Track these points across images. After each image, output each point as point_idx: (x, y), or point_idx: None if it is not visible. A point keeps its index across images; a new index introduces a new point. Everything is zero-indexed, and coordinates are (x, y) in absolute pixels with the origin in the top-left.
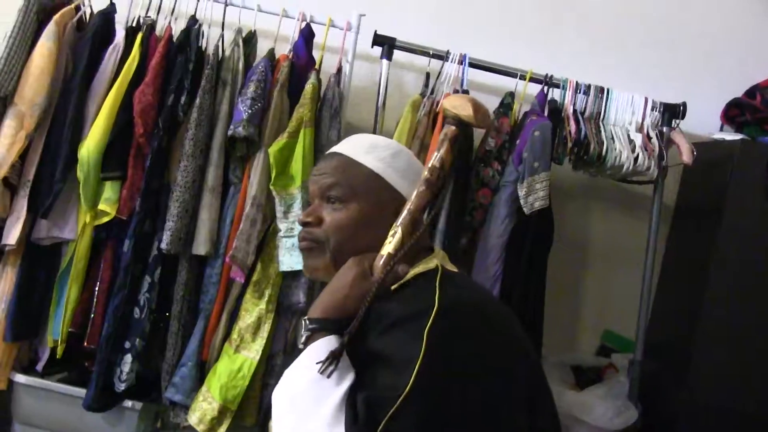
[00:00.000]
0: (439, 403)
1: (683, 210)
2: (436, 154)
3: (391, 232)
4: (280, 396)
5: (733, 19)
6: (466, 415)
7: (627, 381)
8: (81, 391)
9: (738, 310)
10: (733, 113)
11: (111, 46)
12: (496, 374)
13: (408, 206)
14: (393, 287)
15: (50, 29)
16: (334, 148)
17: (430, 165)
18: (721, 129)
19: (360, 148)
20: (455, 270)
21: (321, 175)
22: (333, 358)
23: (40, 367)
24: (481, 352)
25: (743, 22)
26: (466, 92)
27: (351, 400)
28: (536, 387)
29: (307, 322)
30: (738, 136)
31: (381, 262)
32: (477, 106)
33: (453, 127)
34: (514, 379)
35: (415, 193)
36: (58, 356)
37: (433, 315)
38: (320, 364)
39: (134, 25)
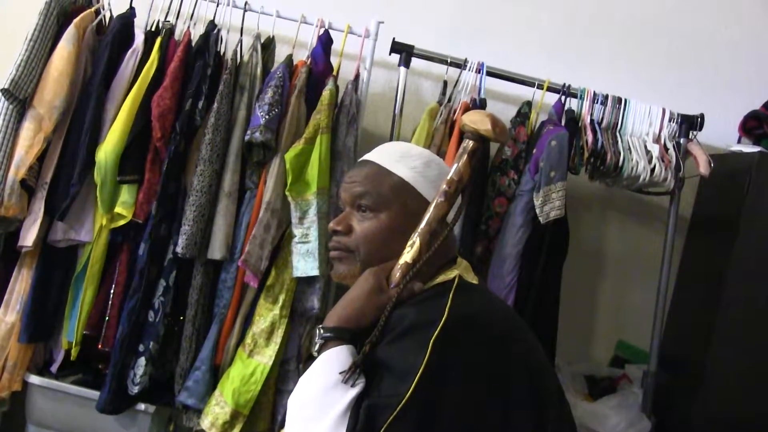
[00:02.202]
0: (436, 414)
1: (699, 222)
2: (454, 166)
3: (409, 242)
4: (293, 403)
5: (752, 30)
6: (463, 428)
7: (640, 392)
8: (95, 394)
9: (753, 322)
10: (751, 125)
11: (130, 50)
12: (496, 390)
13: (426, 217)
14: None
15: (70, 32)
16: (366, 156)
17: (448, 177)
18: (739, 141)
19: (391, 156)
20: (475, 281)
21: (352, 183)
22: (356, 368)
23: (54, 368)
24: (484, 367)
25: (762, 34)
26: (483, 101)
27: (356, 407)
28: (546, 401)
29: (322, 330)
30: (756, 149)
31: (399, 273)
32: (495, 122)
33: (472, 142)
34: (516, 395)
35: (433, 203)
36: (72, 358)
37: (440, 326)
38: (342, 374)
39: (153, 29)
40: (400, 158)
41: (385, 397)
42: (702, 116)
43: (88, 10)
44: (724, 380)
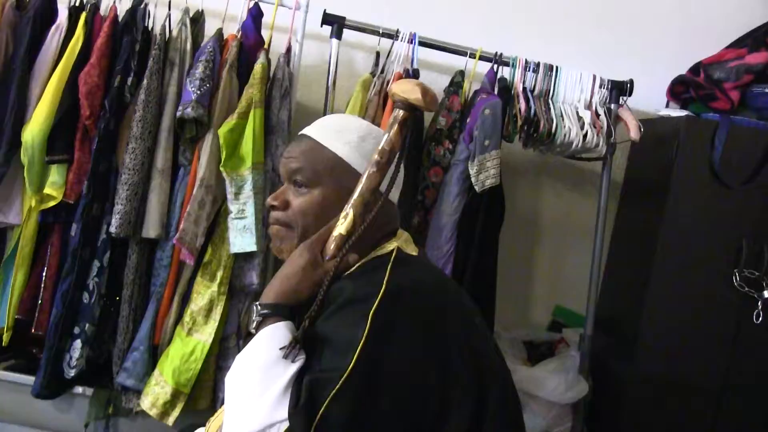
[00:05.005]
0: (377, 386)
1: (631, 186)
2: (385, 136)
3: (342, 214)
4: (231, 381)
5: None
6: (404, 399)
7: (578, 355)
8: (29, 379)
9: (684, 284)
10: (679, 90)
11: (53, 26)
12: (436, 360)
13: (359, 188)
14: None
15: None
16: (305, 130)
17: (379, 147)
18: (667, 105)
19: (328, 131)
20: (415, 252)
21: (288, 158)
22: (296, 343)
23: None
24: (424, 338)
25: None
26: (416, 71)
27: (297, 382)
28: (487, 368)
29: (259, 307)
30: (683, 113)
31: (333, 245)
32: (425, 91)
33: (402, 111)
34: (457, 365)
35: (365, 174)
36: (4, 344)
37: (378, 298)
38: (281, 350)
39: (77, 4)
40: (336, 133)
41: (326, 372)
42: (631, 82)
43: None
44: (657, 341)
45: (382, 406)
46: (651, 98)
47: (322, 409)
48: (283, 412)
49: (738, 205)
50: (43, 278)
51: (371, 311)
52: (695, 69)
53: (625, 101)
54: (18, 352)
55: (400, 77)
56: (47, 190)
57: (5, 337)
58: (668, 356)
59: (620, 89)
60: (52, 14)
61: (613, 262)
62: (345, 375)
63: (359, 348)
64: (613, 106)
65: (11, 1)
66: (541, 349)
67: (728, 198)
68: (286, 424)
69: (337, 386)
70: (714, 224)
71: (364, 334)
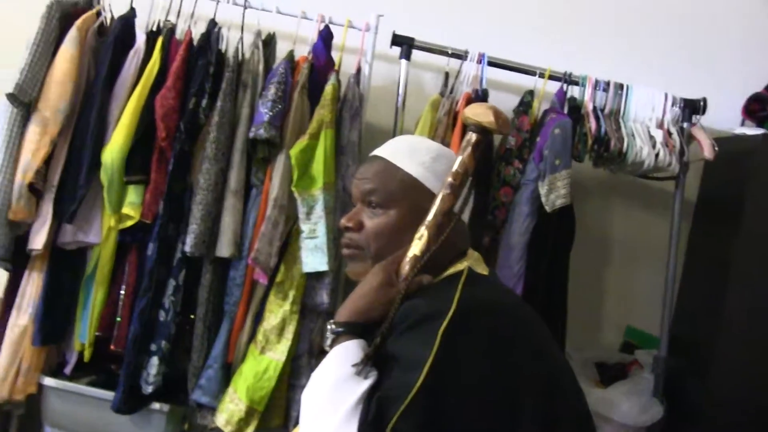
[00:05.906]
0: (445, 404)
1: (705, 205)
2: (458, 159)
3: (417, 235)
4: (306, 397)
5: (754, 13)
6: (471, 418)
7: (651, 377)
8: (109, 394)
9: (760, 305)
10: (754, 108)
11: (132, 51)
12: (506, 378)
13: (433, 209)
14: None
15: (72, 35)
16: (376, 151)
17: (453, 170)
18: (743, 124)
19: (400, 151)
20: (486, 272)
21: (362, 179)
22: (368, 360)
23: (68, 370)
24: (493, 356)
25: (762, 16)
26: (485, 91)
27: (368, 399)
28: (558, 388)
29: (333, 325)
30: (759, 131)
31: (408, 266)
32: (498, 114)
33: (475, 135)
34: (527, 383)
35: (440, 196)
36: (85, 360)
37: (449, 316)
38: (354, 366)
39: (155, 29)
40: (408, 153)
41: (394, 389)
42: (705, 100)
43: (90, 12)
44: (733, 363)
45: (450, 424)
46: (725, 117)
47: (390, 426)
48: (353, 429)
49: None
50: (121, 296)
51: (441, 329)
52: None
53: (698, 120)
54: (98, 368)
55: (469, 98)
56: (125, 210)
57: (86, 353)
58: (746, 380)
59: (693, 108)
60: (130, 39)
61: (686, 283)
62: (413, 392)
63: (427, 365)
64: (685, 124)
65: (93, 28)
66: (614, 370)
67: None
68: None
69: (405, 403)
70: None
71: (433, 352)
